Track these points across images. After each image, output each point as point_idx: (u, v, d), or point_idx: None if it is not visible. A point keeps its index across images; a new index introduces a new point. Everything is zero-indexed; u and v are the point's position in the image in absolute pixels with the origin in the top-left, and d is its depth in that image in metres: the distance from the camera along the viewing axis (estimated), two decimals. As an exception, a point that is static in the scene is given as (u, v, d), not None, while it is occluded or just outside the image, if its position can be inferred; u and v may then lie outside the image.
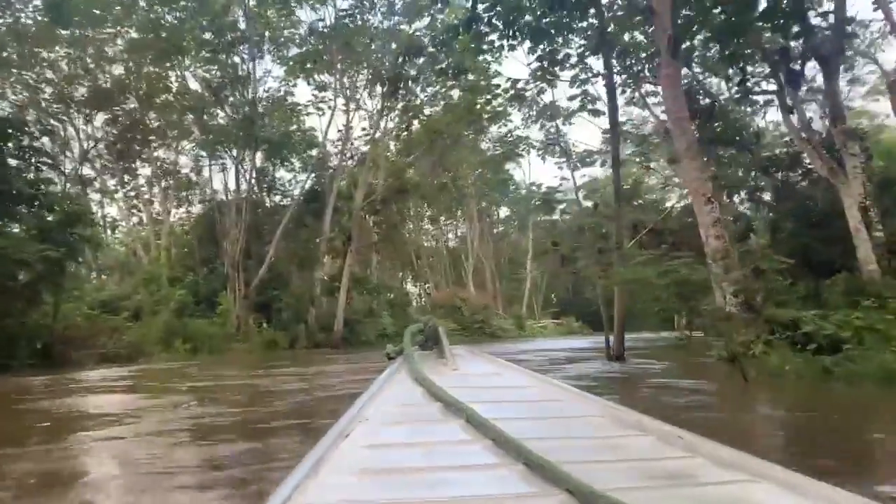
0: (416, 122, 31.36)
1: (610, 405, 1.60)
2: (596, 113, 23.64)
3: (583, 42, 19.97)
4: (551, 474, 1.04)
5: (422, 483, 1.09)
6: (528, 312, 51.08)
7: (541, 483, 1.04)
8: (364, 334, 29.70)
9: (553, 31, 18.74)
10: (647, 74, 21.41)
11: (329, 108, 29.29)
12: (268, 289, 29.01)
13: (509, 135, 49.67)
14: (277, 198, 32.15)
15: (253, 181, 30.26)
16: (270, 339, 27.14)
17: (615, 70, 19.51)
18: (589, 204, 34.09)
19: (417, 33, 27.82)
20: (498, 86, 27.30)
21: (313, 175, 31.07)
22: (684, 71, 17.56)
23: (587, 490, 0.96)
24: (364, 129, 30.44)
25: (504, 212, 66.11)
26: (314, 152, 30.68)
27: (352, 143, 30.94)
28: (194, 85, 30.07)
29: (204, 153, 31.64)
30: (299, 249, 29.74)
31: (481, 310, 41.12)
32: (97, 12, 26.25)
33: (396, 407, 1.58)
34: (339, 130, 30.25)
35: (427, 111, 31.18)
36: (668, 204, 32.20)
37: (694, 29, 16.39)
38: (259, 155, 29.37)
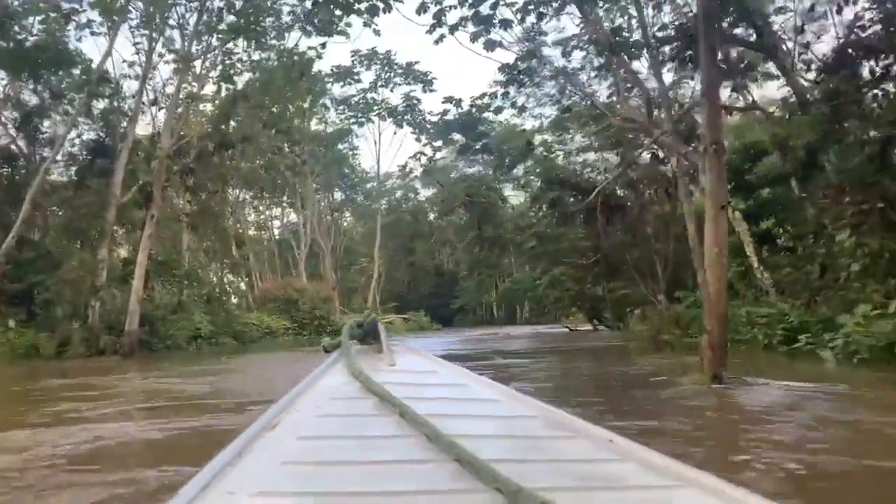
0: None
1: (544, 406, 1.55)
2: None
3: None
4: (481, 472, 1.03)
5: (350, 476, 1.08)
6: (371, 307, 44.89)
7: (471, 480, 1.04)
8: (170, 336, 22.04)
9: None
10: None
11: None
12: (28, 272, 20.47)
13: (359, 98, 44.17)
14: (47, 151, 23.04)
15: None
16: (27, 343, 18.81)
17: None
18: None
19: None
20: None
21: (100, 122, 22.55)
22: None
23: (515, 488, 0.97)
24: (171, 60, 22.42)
25: (338, 195, 59.41)
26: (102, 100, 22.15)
27: (155, 82, 22.96)
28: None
29: None
30: (77, 220, 21.33)
31: (321, 303, 34.45)
32: None
33: (330, 400, 1.54)
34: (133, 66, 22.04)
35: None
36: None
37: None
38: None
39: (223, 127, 23.55)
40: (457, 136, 43.55)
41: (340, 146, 51.27)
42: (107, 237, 20.72)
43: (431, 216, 72.18)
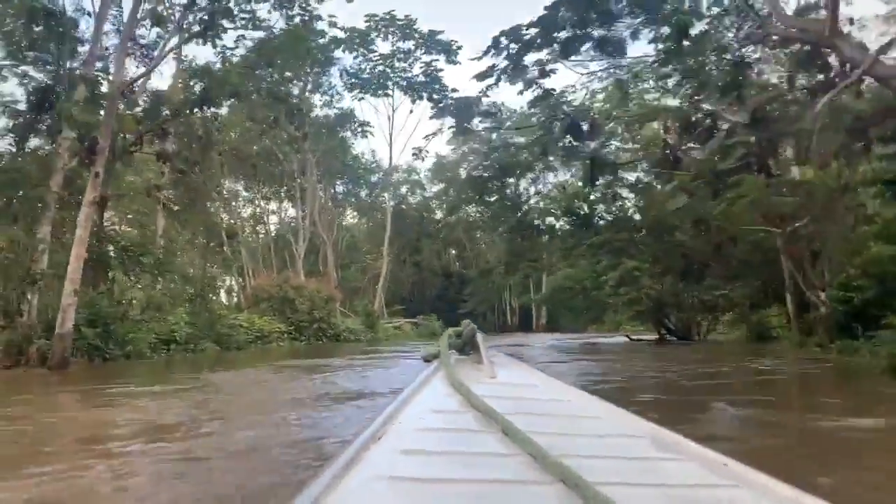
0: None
1: (652, 426, 1.51)
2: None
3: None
4: (590, 496, 0.99)
5: (456, 495, 1.07)
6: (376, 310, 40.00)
7: None
8: (134, 341, 17.11)
9: None
10: None
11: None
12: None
13: (374, 65, 39.27)
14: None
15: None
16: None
17: None
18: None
19: None
20: None
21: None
22: None
23: None
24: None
25: (340, 188, 54.52)
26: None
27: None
28: None
29: None
30: (9, 188, 16.44)
31: (322, 304, 29.55)
32: None
33: (432, 413, 1.54)
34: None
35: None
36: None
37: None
38: None
39: (205, 81, 18.65)
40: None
41: (345, 133, 46.42)
42: (49, 211, 15.78)
43: (439, 214, 67.41)
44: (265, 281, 30.14)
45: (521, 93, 17.61)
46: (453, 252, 69.94)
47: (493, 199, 61.56)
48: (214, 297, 29.38)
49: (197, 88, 18.75)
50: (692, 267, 17.59)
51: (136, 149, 18.58)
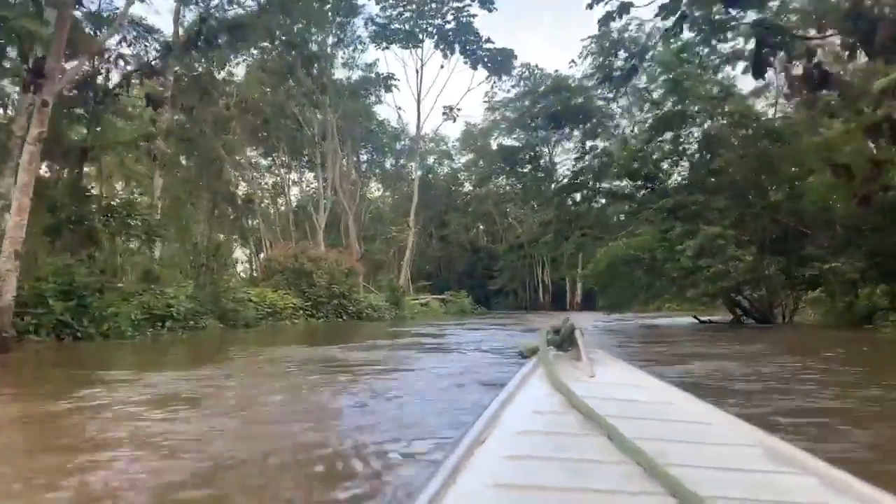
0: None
1: (766, 435, 1.39)
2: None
3: None
4: None
5: None
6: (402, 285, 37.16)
7: None
8: (114, 317, 14.42)
9: None
10: None
11: None
12: None
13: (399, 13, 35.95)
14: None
15: None
16: None
17: None
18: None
19: None
20: None
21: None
22: None
23: None
24: None
25: (364, 157, 51.55)
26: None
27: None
28: None
29: None
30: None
31: (342, 278, 26.76)
32: None
33: (533, 414, 1.51)
34: None
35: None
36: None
37: None
38: None
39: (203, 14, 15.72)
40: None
41: (369, 97, 43.38)
42: (11, 160, 13.04)
43: (468, 186, 64.30)
44: (280, 251, 27.40)
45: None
46: (481, 227, 66.89)
47: (525, 171, 58.76)
48: (227, 269, 26.73)
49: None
50: (786, 234, 14.42)
51: (120, 91, 15.76)
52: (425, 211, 58.29)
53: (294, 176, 49.60)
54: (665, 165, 18.80)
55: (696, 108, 17.52)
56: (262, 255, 32.04)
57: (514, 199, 60.57)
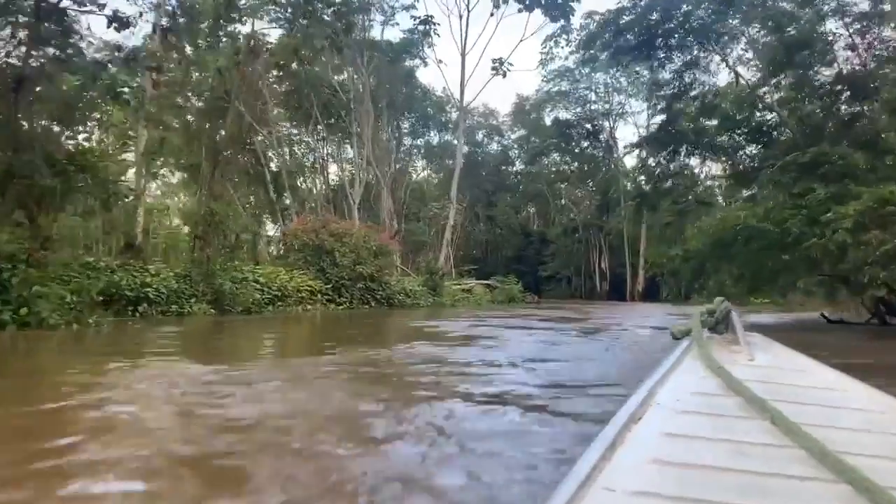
0: None
1: None
2: None
3: None
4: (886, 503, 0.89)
5: (727, 485, 1.00)
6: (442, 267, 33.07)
7: None
8: (37, 299, 10.75)
9: None
10: None
11: None
12: None
13: None
14: None
15: None
16: None
17: None
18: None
19: None
20: None
21: None
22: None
23: None
24: None
25: (406, 126, 47.47)
26: None
27: None
28: None
29: None
30: None
31: (370, 258, 22.86)
32: None
33: (690, 395, 1.46)
34: None
35: None
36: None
37: None
38: None
39: None
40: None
41: (412, 60, 39.27)
42: None
43: (518, 165, 59.79)
44: (299, 225, 23.58)
45: None
46: (533, 209, 62.36)
47: (582, 147, 53.89)
48: (240, 245, 23.17)
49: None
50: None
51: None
52: (472, 191, 54.12)
53: (331, 150, 45.99)
54: (785, 112, 14.13)
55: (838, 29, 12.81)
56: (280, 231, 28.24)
57: (568, 178, 55.79)
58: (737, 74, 14.76)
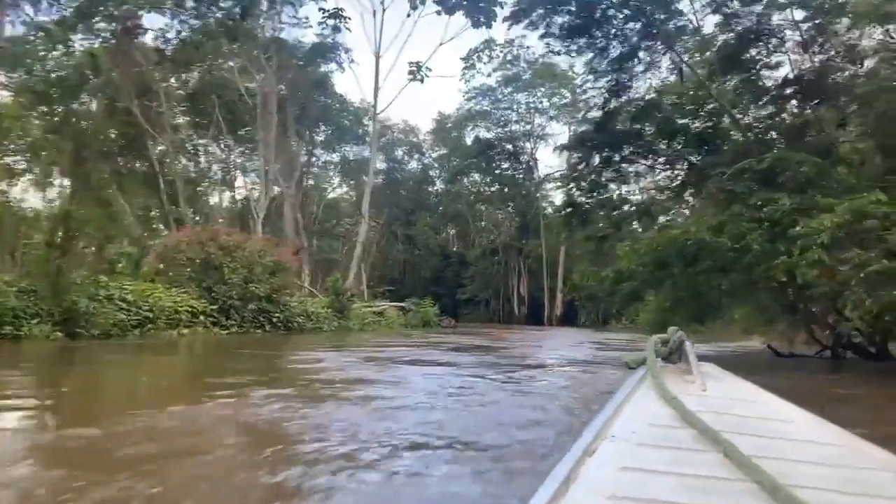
0: None
1: (889, 455, 1.32)
2: None
3: None
4: None
5: None
6: (351, 287, 30.58)
7: None
8: None
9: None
10: None
11: None
12: None
13: None
14: None
15: None
16: None
17: None
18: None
19: None
20: None
21: None
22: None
23: None
24: None
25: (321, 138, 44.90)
26: None
27: None
28: None
29: None
30: None
31: (267, 275, 20.29)
32: None
33: (647, 426, 1.43)
34: None
35: None
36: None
37: None
38: None
39: None
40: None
41: (327, 64, 36.98)
42: None
43: (439, 184, 58.07)
44: (183, 236, 20.68)
45: None
46: (452, 231, 60.72)
47: (503, 168, 52.71)
48: (106, 258, 20.01)
49: None
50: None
51: None
52: (391, 209, 52.01)
53: (242, 161, 42.78)
54: (737, 114, 12.60)
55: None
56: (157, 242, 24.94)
57: (489, 199, 54.48)
58: (681, 71, 13.24)
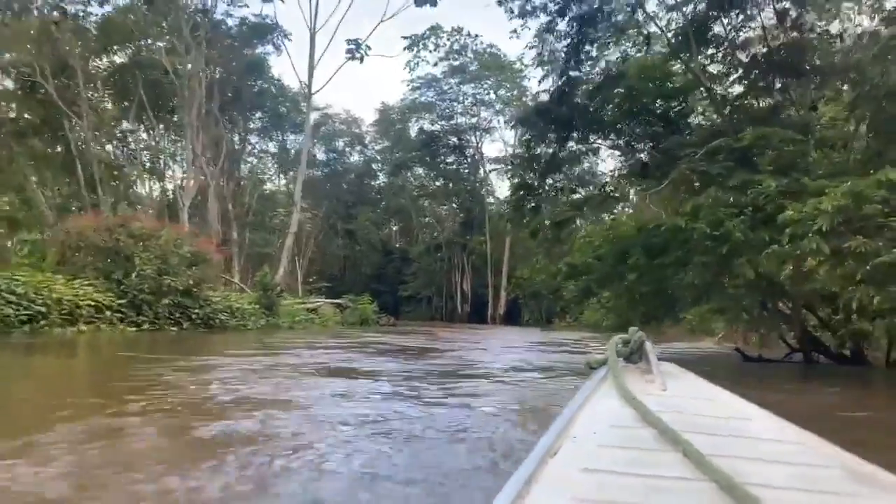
0: None
1: (845, 454, 1.31)
2: None
3: None
4: None
5: None
6: (286, 283, 28.60)
7: None
8: None
9: None
10: None
11: None
12: None
13: None
14: None
15: None
16: None
17: None
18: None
19: None
20: None
21: None
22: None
23: None
24: None
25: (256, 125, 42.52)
26: None
27: None
28: None
29: None
30: None
31: (181, 267, 18.34)
32: None
33: (608, 427, 1.44)
34: None
35: None
36: None
37: None
38: None
39: None
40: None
41: (263, 45, 34.80)
42: None
43: (382, 179, 56.23)
44: (86, 222, 18.47)
45: None
46: (395, 227, 58.97)
47: (447, 163, 51.25)
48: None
49: None
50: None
51: None
52: (331, 202, 49.96)
53: (171, 149, 39.98)
54: (712, 87, 11.31)
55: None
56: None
57: (433, 193, 52.99)
58: (648, 40, 11.92)
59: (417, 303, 49.83)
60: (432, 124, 50.04)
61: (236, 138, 40.48)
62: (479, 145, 49.98)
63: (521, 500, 1.00)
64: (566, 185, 11.85)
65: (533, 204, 11.85)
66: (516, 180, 11.91)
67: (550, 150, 11.52)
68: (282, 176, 51.28)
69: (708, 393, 1.89)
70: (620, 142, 11.40)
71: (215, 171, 28.68)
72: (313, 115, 46.20)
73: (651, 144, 11.40)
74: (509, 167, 29.13)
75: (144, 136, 37.94)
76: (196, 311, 18.81)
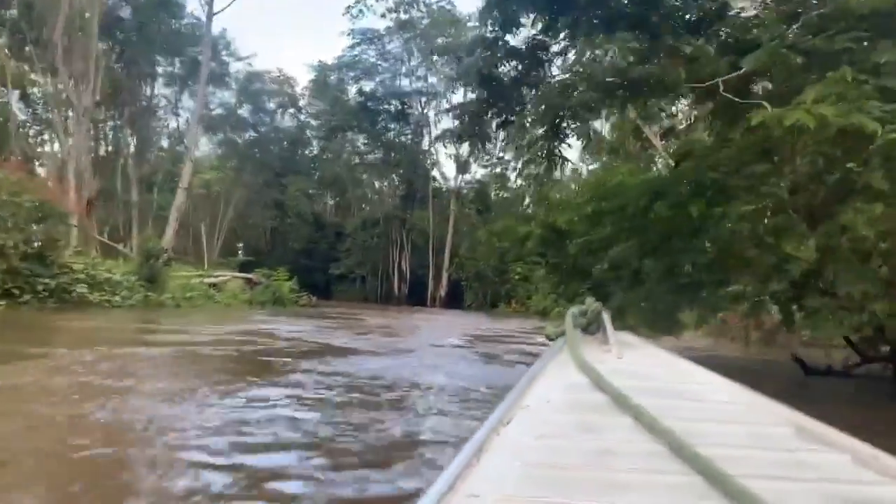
0: None
1: (795, 414, 1.40)
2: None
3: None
4: (735, 492, 0.93)
5: (591, 484, 1.01)
6: (188, 251, 23.98)
7: (720, 499, 0.95)
8: None
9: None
10: None
11: None
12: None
13: None
14: None
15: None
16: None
17: None
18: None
19: None
20: None
21: None
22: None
23: None
24: None
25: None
26: None
27: None
28: None
29: None
30: None
31: (30, 223, 13.77)
32: None
33: (560, 396, 1.48)
34: None
35: None
36: None
37: None
38: None
39: None
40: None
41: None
42: None
43: (317, 147, 51.46)
44: None
45: None
46: (331, 202, 54.27)
47: (389, 129, 46.92)
48: None
49: None
50: None
51: None
52: (260, 170, 45.06)
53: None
54: None
55: None
56: None
57: (372, 163, 48.55)
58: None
59: (351, 282, 45.61)
60: (373, 83, 45.64)
61: (147, 90, 35.39)
62: (425, 111, 45.83)
63: (472, 468, 0.99)
64: (569, 78, 7.73)
65: (502, 117, 7.90)
66: (482, 73, 7.74)
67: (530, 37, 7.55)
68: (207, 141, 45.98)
69: (663, 361, 1.94)
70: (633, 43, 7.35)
71: (79, 101, 23.19)
72: (235, 66, 41.41)
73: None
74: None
75: (39, 77, 32.41)
76: (45, 280, 14.29)
